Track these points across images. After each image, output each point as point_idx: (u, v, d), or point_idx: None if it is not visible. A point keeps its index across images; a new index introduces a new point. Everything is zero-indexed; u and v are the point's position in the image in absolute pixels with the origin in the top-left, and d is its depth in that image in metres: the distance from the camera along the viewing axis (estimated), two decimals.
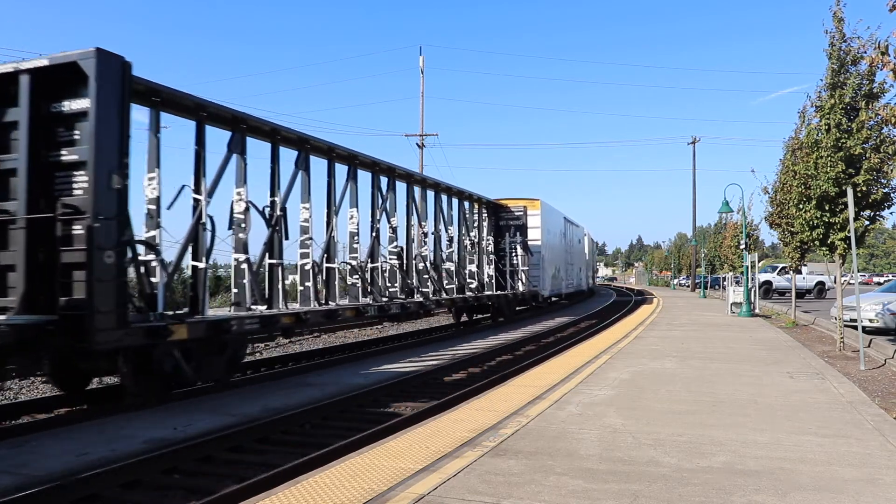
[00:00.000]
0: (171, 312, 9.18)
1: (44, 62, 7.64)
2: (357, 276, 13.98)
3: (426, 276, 17.04)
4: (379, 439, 6.07)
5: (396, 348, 15.51)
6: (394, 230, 15.51)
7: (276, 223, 11.28)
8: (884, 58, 6.50)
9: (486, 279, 22.23)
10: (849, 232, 11.50)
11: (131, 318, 8.07)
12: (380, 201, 15.00)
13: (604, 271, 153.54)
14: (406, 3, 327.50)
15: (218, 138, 10.83)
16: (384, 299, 14.73)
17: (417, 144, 38.37)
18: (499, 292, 22.32)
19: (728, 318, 21.25)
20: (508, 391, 7.92)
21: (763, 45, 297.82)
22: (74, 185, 7.62)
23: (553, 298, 32.22)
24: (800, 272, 25.32)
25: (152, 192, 9.10)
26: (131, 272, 8.46)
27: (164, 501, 5.50)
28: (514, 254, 23.91)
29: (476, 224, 22.08)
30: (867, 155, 11.92)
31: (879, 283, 50.44)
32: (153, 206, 9.09)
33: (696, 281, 53.78)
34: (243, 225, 10.56)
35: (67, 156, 7.68)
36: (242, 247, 10.57)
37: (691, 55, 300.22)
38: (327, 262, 12.94)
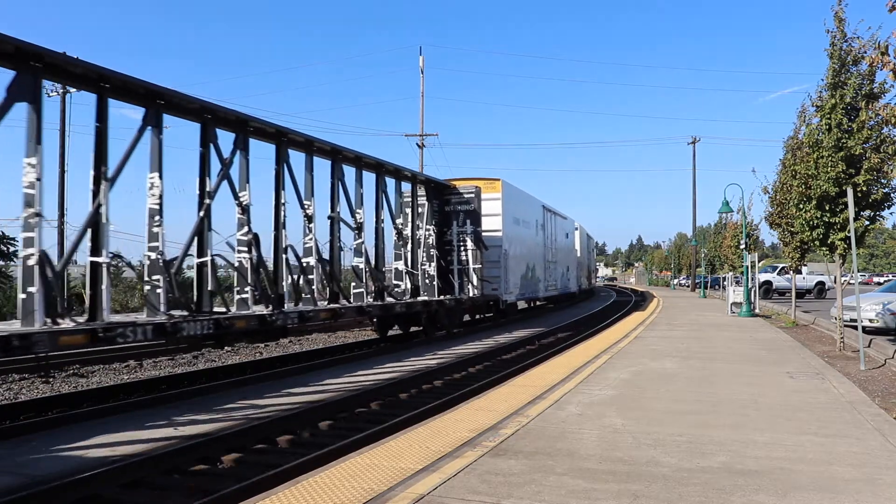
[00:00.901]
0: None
1: None
2: (160, 279, 9.25)
3: (311, 277, 12.78)
4: (379, 439, 6.07)
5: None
6: (244, 209, 11.05)
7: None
8: (884, 58, 6.49)
9: (428, 281, 17.62)
10: (849, 232, 11.50)
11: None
12: (219, 167, 10.65)
13: (604, 271, 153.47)
14: (406, 4, 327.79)
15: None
16: (215, 312, 10.15)
17: (417, 144, 38.40)
18: (433, 297, 17.47)
19: (728, 318, 21.27)
20: (508, 391, 7.93)
21: (764, 45, 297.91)
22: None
23: (539, 302, 28.82)
24: (800, 272, 25.31)
25: None
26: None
27: (159, 501, 5.49)
28: (462, 248, 19.09)
29: (410, 209, 17.29)
30: (867, 155, 11.93)
31: (879, 283, 50.52)
32: None
33: (696, 281, 53.83)
34: None
35: None
36: None
37: (691, 55, 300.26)
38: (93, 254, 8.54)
